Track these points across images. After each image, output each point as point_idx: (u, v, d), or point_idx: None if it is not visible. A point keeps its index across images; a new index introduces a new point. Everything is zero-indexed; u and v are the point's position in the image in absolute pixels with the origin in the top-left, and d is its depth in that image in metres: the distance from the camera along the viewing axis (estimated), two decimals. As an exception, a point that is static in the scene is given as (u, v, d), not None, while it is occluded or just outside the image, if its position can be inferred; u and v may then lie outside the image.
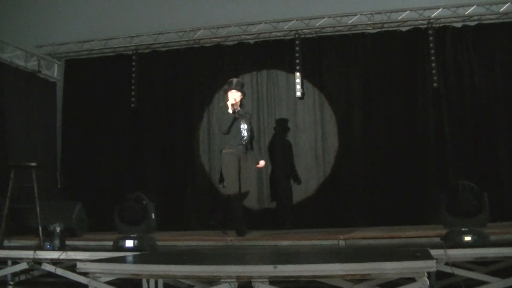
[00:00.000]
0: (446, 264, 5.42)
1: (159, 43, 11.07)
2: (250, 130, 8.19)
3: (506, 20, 9.78)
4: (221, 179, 8.24)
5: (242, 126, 8.06)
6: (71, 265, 6.12)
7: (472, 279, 5.61)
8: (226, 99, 8.15)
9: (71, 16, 11.36)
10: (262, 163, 8.43)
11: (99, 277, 4.82)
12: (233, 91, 8.11)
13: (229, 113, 7.97)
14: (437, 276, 6.16)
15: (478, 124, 9.62)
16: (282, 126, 10.30)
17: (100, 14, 11.22)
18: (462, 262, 5.88)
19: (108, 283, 4.92)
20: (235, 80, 8.31)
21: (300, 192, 10.11)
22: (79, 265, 4.79)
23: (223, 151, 8.03)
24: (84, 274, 5.05)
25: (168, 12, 10.98)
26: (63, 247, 6.62)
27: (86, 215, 8.61)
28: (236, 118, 8.00)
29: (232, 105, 7.98)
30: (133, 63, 11.01)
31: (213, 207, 9.86)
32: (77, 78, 11.41)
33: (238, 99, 8.09)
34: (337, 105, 10.20)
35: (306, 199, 10.09)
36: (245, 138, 8.06)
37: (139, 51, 11.10)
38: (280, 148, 10.25)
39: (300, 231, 8.31)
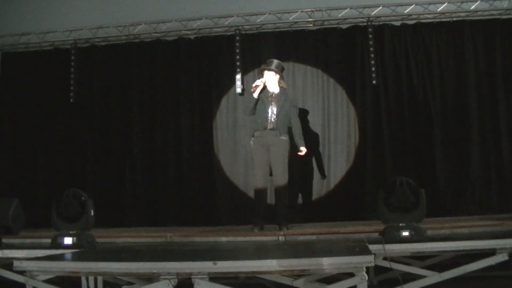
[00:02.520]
0: (385, 259, 5.50)
1: (98, 38, 10.89)
2: (284, 114, 7.80)
3: (443, 20, 9.99)
4: None
5: (270, 109, 7.79)
6: (7, 264, 5.98)
7: (409, 273, 5.71)
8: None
9: (7, 8, 11.11)
10: (303, 150, 7.96)
11: (37, 275, 4.75)
12: (265, 71, 7.92)
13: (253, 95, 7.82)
14: (375, 271, 6.25)
15: (415, 121, 9.80)
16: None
17: (37, 6, 11.01)
18: (400, 256, 5.97)
19: (47, 281, 4.85)
20: (268, 60, 8.09)
21: (239, 189, 10.08)
22: (16, 263, 4.70)
23: (252, 138, 7.88)
24: (21, 272, 4.95)
25: (107, 6, 10.84)
26: (-1, 245, 6.51)
27: (23, 212, 8.44)
28: (258, 100, 7.80)
29: (254, 86, 7.81)
30: (72, 58, 10.81)
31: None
32: (14, 72, 11.13)
33: (268, 80, 7.86)
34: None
35: (244, 195, 10.05)
36: (272, 121, 7.75)
37: (78, 46, 10.91)
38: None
39: (239, 228, 8.31)
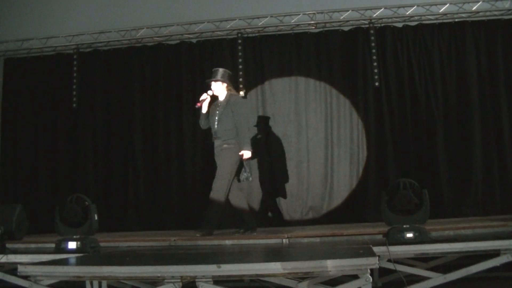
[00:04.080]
0: (389, 260, 5.49)
1: (100, 42, 10.91)
2: (225, 121, 7.70)
3: (445, 21, 9.98)
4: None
5: (215, 118, 7.81)
6: (12, 269, 6.00)
7: (414, 275, 5.72)
8: None
9: (9, 13, 11.13)
10: (243, 153, 7.65)
11: (41, 280, 4.75)
12: (212, 83, 7.91)
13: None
14: (380, 273, 6.26)
15: (418, 122, 9.77)
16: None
17: (39, 12, 11.03)
18: (404, 258, 5.96)
19: (51, 286, 4.85)
20: (213, 70, 8.06)
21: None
22: (20, 268, 4.71)
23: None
24: (26, 277, 4.96)
25: (109, 10, 10.85)
26: (3, 250, 6.50)
27: (26, 217, 8.43)
28: (207, 113, 7.85)
29: (200, 101, 7.82)
30: (74, 63, 10.82)
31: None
32: (17, 77, 11.15)
33: (216, 90, 7.87)
34: (280, 104, 10.21)
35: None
36: (216, 130, 7.75)
37: (80, 50, 10.93)
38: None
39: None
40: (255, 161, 9.75)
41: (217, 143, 7.80)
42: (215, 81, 7.90)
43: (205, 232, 7.49)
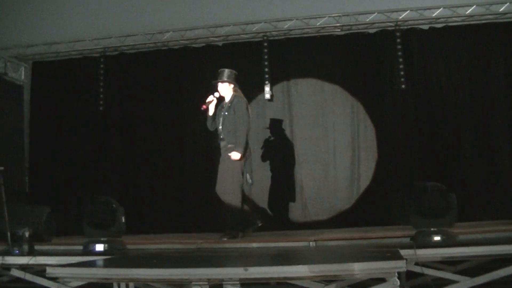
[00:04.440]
0: (416, 264, 5.46)
1: (127, 46, 10.99)
2: (229, 122, 7.73)
3: (471, 22, 9.91)
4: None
5: (219, 119, 7.85)
6: (40, 270, 6.06)
7: (441, 279, 5.67)
8: None
9: (38, 17, 11.22)
10: (232, 154, 7.63)
11: (69, 281, 4.78)
12: (219, 84, 7.94)
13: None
14: (407, 276, 6.22)
15: (445, 125, 9.71)
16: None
17: (66, 16, 11.11)
18: (431, 262, 5.92)
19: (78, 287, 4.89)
20: (220, 70, 8.08)
21: (263, 195, 10.03)
22: (49, 270, 4.75)
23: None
24: (54, 279, 5.00)
25: (135, 14, 10.90)
26: (32, 252, 6.56)
27: (54, 220, 8.50)
28: (214, 114, 7.86)
29: (207, 103, 7.80)
30: (101, 66, 10.90)
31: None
32: (45, 80, 11.28)
33: (222, 92, 7.90)
34: (307, 107, 10.19)
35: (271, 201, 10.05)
36: (221, 131, 7.78)
37: (107, 54, 11.01)
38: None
39: (269, 233, 8.29)
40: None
41: (222, 144, 7.83)
42: (222, 82, 7.94)
43: (231, 235, 7.48)
